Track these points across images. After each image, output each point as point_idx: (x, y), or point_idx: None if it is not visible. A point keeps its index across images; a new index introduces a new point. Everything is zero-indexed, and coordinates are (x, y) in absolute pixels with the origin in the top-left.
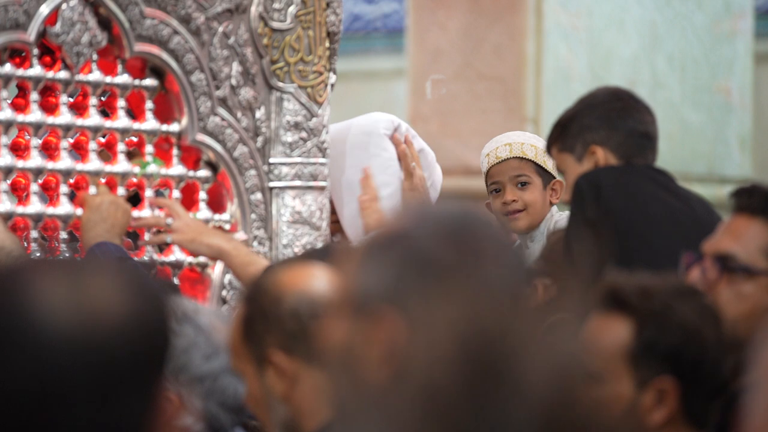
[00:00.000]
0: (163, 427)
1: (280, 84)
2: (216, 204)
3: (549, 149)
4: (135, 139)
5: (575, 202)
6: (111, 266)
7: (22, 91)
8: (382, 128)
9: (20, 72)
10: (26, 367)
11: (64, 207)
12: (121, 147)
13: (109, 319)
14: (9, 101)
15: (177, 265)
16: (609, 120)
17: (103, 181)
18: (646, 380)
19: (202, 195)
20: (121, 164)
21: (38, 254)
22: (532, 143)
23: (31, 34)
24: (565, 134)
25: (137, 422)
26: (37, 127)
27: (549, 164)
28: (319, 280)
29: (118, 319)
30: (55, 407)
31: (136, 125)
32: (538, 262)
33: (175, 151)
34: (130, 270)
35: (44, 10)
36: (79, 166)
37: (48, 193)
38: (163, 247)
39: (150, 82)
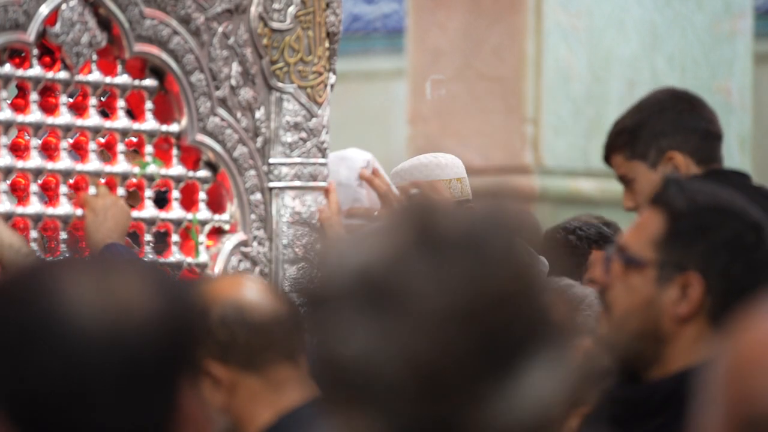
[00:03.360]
0: (190, 424)
1: (280, 84)
2: (216, 204)
3: (611, 157)
4: (135, 140)
5: None
6: (135, 265)
7: (22, 91)
8: (355, 180)
9: (20, 72)
10: (56, 365)
11: (63, 207)
12: (120, 147)
13: (137, 317)
14: (9, 102)
15: (177, 266)
16: (683, 123)
17: (102, 181)
18: None
19: (202, 195)
20: (121, 164)
21: (39, 254)
22: (441, 178)
23: (31, 35)
24: (634, 141)
25: (165, 419)
26: (37, 128)
27: (457, 191)
28: (244, 288)
29: (146, 316)
30: (84, 405)
31: (135, 125)
32: None
33: (174, 152)
34: (154, 268)
35: (44, 10)
36: (79, 167)
37: (48, 194)
38: (163, 248)
39: (150, 82)
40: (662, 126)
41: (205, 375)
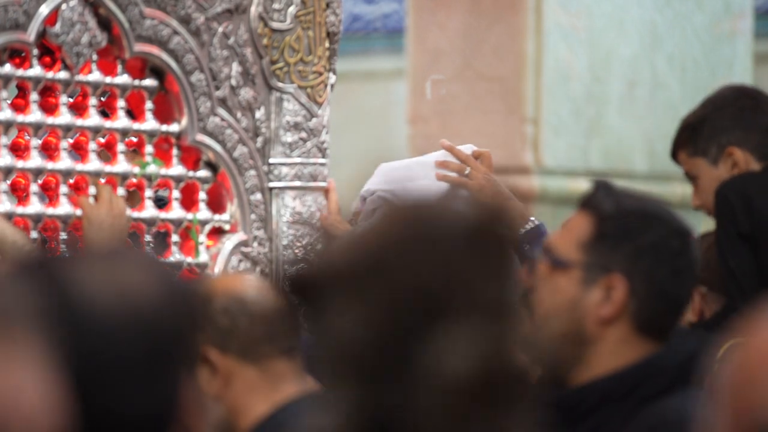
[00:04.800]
0: (184, 411)
1: (280, 84)
2: (216, 204)
3: (677, 155)
4: (135, 140)
5: (723, 213)
6: (140, 256)
7: (22, 91)
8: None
9: (20, 72)
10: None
11: (63, 207)
12: (120, 147)
13: (147, 305)
14: (9, 101)
15: (177, 266)
16: (743, 119)
17: (103, 181)
18: None
19: (202, 195)
20: (121, 164)
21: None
22: None
23: (31, 35)
24: (696, 137)
25: (169, 405)
26: (37, 128)
27: None
28: (247, 283)
29: (154, 305)
30: (94, 392)
31: (135, 125)
32: None
33: (174, 152)
34: (156, 261)
35: (44, 10)
36: (79, 167)
37: (48, 194)
38: (163, 248)
39: (150, 82)
40: (723, 122)
41: (203, 362)
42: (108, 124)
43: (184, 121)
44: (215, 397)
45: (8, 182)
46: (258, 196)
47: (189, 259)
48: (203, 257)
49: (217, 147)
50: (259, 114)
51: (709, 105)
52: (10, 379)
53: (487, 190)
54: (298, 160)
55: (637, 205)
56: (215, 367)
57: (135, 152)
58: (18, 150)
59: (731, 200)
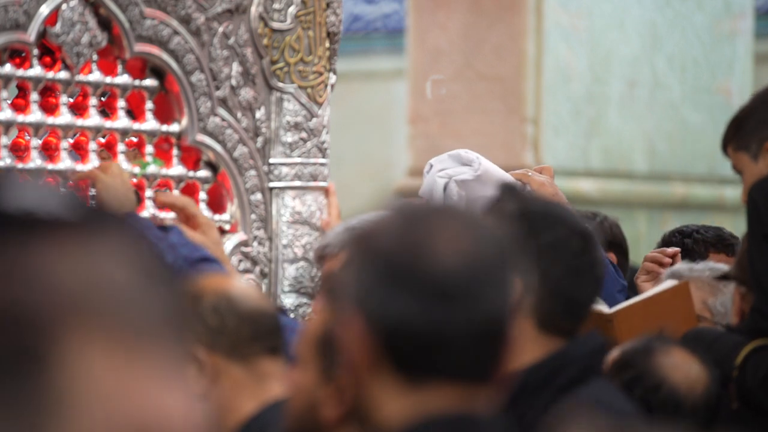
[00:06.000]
0: None
1: (280, 84)
2: (216, 204)
3: (725, 148)
4: (135, 140)
5: (751, 215)
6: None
7: (22, 91)
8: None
9: (20, 72)
10: None
11: None
12: (121, 147)
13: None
14: (9, 102)
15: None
16: None
17: None
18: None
19: (202, 195)
20: (122, 164)
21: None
22: None
23: (31, 35)
24: (740, 132)
25: None
26: (37, 128)
27: None
28: (236, 284)
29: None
30: None
31: (136, 125)
32: (733, 269)
33: (175, 152)
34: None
35: (44, 10)
36: (79, 167)
37: None
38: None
39: (150, 82)
40: (765, 116)
41: (190, 360)
42: (108, 124)
43: (185, 121)
44: (202, 395)
45: None
46: (258, 196)
47: None
48: None
49: (218, 147)
50: (260, 114)
51: (756, 100)
52: (150, 398)
53: (547, 188)
54: (299, 160)
55: (539, 207)
56: (203, 365)
57: (135, 152)
58: (18, 150)
59: (758, 202)
